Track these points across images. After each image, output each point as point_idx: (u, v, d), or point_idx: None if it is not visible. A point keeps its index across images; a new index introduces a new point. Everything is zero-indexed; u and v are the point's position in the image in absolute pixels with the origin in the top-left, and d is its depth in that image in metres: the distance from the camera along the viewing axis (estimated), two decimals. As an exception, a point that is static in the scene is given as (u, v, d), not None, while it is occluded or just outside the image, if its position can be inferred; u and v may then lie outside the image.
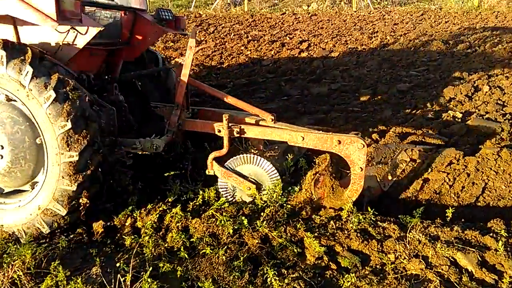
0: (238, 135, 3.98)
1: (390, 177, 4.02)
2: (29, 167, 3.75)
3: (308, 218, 3.78)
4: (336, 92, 8.16)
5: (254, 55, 11.42)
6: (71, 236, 3.98)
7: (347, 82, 8.70)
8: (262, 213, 3.82)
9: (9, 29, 3.76)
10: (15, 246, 3.56)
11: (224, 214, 3.84)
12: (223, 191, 4.14)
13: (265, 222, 3.70)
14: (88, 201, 3.58)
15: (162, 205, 4.11)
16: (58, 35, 3.67)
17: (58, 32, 3.63)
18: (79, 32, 3.57)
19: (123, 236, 3.88)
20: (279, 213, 3.85)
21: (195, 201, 4.18)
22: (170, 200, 4.24)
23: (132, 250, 3.49)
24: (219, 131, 4.03)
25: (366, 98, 7.65)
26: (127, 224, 4.02)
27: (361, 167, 3.55)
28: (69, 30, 3.54)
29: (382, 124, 6.19)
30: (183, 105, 4.37)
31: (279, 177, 3.91)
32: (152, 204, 4.17)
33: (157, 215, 3.96)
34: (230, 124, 3.96)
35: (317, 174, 3.74)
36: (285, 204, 3.86)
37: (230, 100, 4.45)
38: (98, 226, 4.05)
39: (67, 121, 3.40)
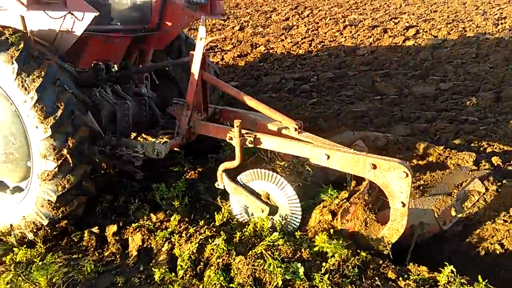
0: (251, 145, 3.39)
1: (453, 213, 3.22)
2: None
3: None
4: (446, 93, 6.63)
5: (348, 43, 10.13)
6: (105, 253, 3.52)
7: (462, 81, 7.06)
8: (325, 262, 2.91)
9: (17, 17, 3.48)
10: (26, 268, 3.18)
11: (276, 255, 3.06)
12: (235, 209, 3.65)
13: (328, 275, 2.81)
14: (73, 210, 3.42)
15: (206, 230, 3.44)
16: (54, 22, 3.32)
17: (53, 19, 3.26)
18: (77, 18, 3.20)
19: (157, 264, 3.30)
20: (348, 263, 2.91)
21: (244, 229, 3.42)
22: (217, 224, 3.55)
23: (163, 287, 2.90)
24: (231, 138, 3.45)
25: (487, 104, 6.01)
26: (163, 249, 3.44)
27: (402, 202, 2.80)
28: (64, 17, 3.19)
29: (507, 142, 4.67)
30: (195, 105, 3.80)
31: (299, 208, 3.33)
32: (194, 227, 3.51)
33: (197, 244, 3.28)
34: (243, 132, 3.39)
35: (347, 202, 3.16)
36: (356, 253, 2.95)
37: (249, 101, 3.70)
38: (133, 247, 3.55)
39: (46, 127, 3.10)
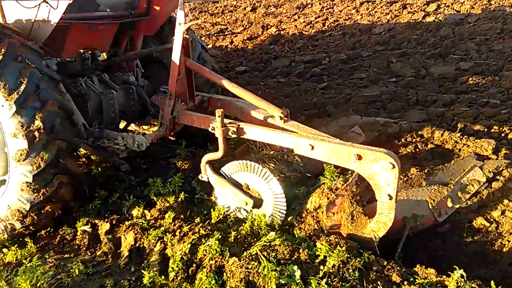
0: (235, 135, 3.28)
1: (449, 204, 3.04)
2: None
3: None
4: (467, 73, 6.16)
5: (365, 20, 9.61)
6: (97, 253, 3.40)
7: (484, 60, 6.55)
8: (323, 265, 2.70)
9: None
10: (12, 270, 3.08)
11: (271, 256, 2.88)
12: (220, 201, 3.56)
13: (326, 279, 2.60)
14: (55, 191, 3.34)
15: (201, 228, 3.27)
16: (28, 11, 3.19)
17: (27, 8, 3.14)
18: (51, 7, 3.05)
19: (149, 265, 3.16)
20: (349, 266, 2.69)
21: (241, 227, 3.22)
22: (213, 221, 3.37)
23: (152, 291, 2.77)
24: (213, 129, 3.33)
25: (511, 85, 5.53)
26: (155, 249, 3.29)
27: (389, 195, 2.64)
28: (39, 6, 3.05)
29: (533, 128, 4.26)
30: (180, 94, 3.66)
31: (284, 201, 3.22)
32: (189, 225, 3.34)
33: (189, 245, 3.12)
34: (226, 122, 3.27)
35: (333, 194, 3.04)
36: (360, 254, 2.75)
37: (234, 89, 3.52)
38: (125, 246, 3.42)
39: (11, 103, 2.99)
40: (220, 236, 3.19)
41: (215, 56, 8.60)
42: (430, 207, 3.03)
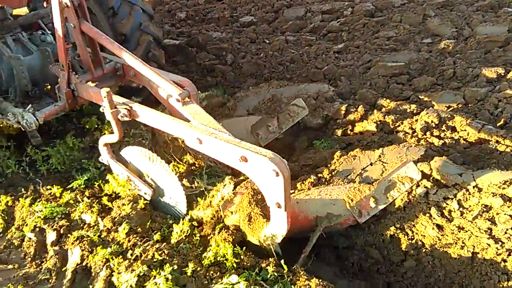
0: (127, 118, 2.96)
1: (372, 204, 2.78)
2: None
3: None
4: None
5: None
6: (43, 266, 2.94)
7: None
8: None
9: None
10: None
11: None
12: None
13: None
14: None
15: (156, 252, 2.67)
16: None
17: None
18: None
19: None
20: None
21: (204, 254, 2.62)
22: (173, 241, 2.78)
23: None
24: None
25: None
26: (101, 275, 2.71)
27: (278, 203, 2.42)
28: None
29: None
30: (83, 62, 3.37)
31: (183, 193, 3.02)
32: (144, 244, 2.76)
33: (137, 277, 2.53)
34: (117, 102, 2.95)
35: (230, 192, 2.88)
36: None
37: (133, 62, 3.11)
38: (71, 265, 2.91)
39: None
40: (176, 267, 2.61)
41: (221, 1, 7.48)
42: (348, 207, 2.78)
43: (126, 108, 2.90)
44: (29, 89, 3.59)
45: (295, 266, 2.58)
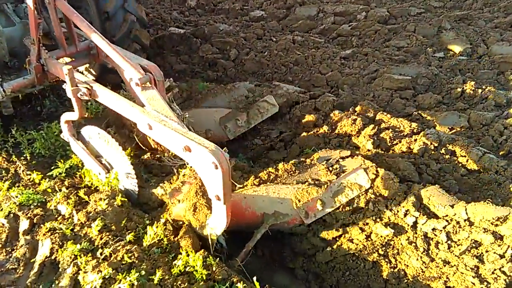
0: (86, 98, 3.00)
1: (320, 206, 2.79)
2: None
3: None
4: None
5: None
6: (13, 254, 2.87)
7: None
8: None
9: None
10: None
11: None
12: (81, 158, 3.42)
13: None
14: None
15: (125, 255, 2.58)
16: None
17: None
18: None
19: None
20: None
21: (175, 262, 2.52)
22: (145, 244, 2.68)
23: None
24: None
25: None
26: (68, 272, 2.62)
27: (217, 196, 2.45)
28: None
29: None
30: (57, 38, 3.36)
31: (135, 182, 3.10)
32: (115, 244, 2.67)
33: (102, 279, 2.45)
34: (79, 80, 3.01)
35: (179, 181, 2.96)
36: None
37: (100, 42, 3.10)
38: (40, 257, 2.81)
39: None
40: (144, 272, 2.51)
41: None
42: (295, 207, 2.78)
43: (86, 87, 2.95)
44: (7, 59, 3.61)
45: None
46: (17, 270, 2.81)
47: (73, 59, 3.54)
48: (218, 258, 2.63)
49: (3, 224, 3.05)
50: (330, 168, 2.95)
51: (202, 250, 2.60)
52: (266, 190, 2.85)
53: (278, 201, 2.84)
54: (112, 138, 3.09)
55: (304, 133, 3.74)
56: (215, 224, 2.62)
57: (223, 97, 3.91)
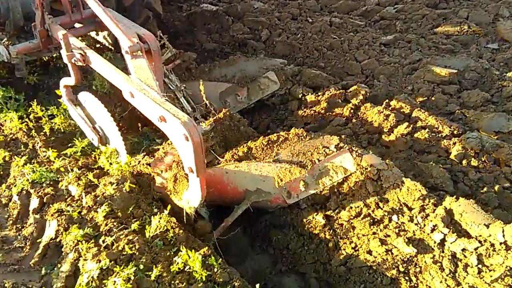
0: (81, 63, 3.07)
1: (302, 187, 2.75)
2: None
3: None
4: None
5: None
6: (22, 232, 2.92)
7: None
8: None
9: None
10: None
11: None
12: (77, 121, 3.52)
13: None
14: None
15: (126, 246, 2.50)
16: None
17: None
18: None
19: (57, 275, 2.57)
20: None
21: (175, 259, 2.41)
22: (148, 235, 2.60)
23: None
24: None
25: None
26: (70, 257, 2.57)
27: (190, 168, 2.42)
28: None
29: None
30: (42, 4, 3.35)
31: (124, 151, 3.13)
32: (119, 231, 2.61)
33: (99, 270, 2.37)
34: (74, 46, 3.06)
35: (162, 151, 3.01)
36: None
37: (93, 5, 3.18)
38: (45, 238, 2.81)
39: None
40: (142, 266, 2.41)
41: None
42: (277, 186, 2.74)
43: (80, 53, 3.00)
44: (21, 23, 3.69)
45: None
46: (24, 249, 2.81)
47: (81, 25, 3.61)
48: (220, 259, 2.49)
49: (15, 201, 3.06)
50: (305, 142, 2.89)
51: (202, 250, 2.45)
52: (248, 166, 2.82)
53: (261, 178, 2.81)
54: (101, 104, 3.18)
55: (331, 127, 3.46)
56: (191, 197, 2.65)
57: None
